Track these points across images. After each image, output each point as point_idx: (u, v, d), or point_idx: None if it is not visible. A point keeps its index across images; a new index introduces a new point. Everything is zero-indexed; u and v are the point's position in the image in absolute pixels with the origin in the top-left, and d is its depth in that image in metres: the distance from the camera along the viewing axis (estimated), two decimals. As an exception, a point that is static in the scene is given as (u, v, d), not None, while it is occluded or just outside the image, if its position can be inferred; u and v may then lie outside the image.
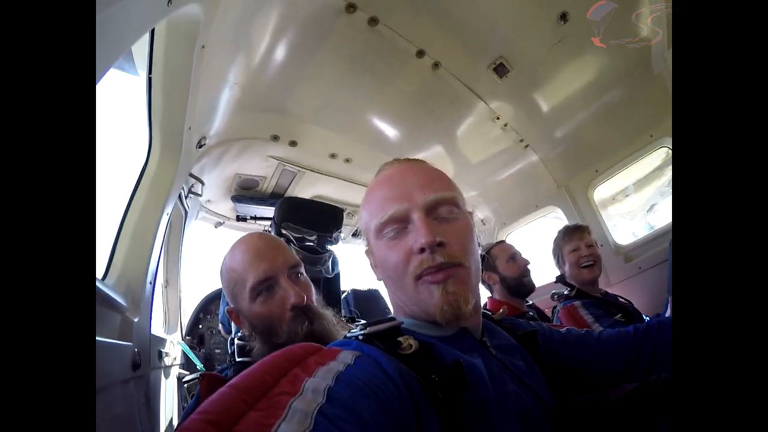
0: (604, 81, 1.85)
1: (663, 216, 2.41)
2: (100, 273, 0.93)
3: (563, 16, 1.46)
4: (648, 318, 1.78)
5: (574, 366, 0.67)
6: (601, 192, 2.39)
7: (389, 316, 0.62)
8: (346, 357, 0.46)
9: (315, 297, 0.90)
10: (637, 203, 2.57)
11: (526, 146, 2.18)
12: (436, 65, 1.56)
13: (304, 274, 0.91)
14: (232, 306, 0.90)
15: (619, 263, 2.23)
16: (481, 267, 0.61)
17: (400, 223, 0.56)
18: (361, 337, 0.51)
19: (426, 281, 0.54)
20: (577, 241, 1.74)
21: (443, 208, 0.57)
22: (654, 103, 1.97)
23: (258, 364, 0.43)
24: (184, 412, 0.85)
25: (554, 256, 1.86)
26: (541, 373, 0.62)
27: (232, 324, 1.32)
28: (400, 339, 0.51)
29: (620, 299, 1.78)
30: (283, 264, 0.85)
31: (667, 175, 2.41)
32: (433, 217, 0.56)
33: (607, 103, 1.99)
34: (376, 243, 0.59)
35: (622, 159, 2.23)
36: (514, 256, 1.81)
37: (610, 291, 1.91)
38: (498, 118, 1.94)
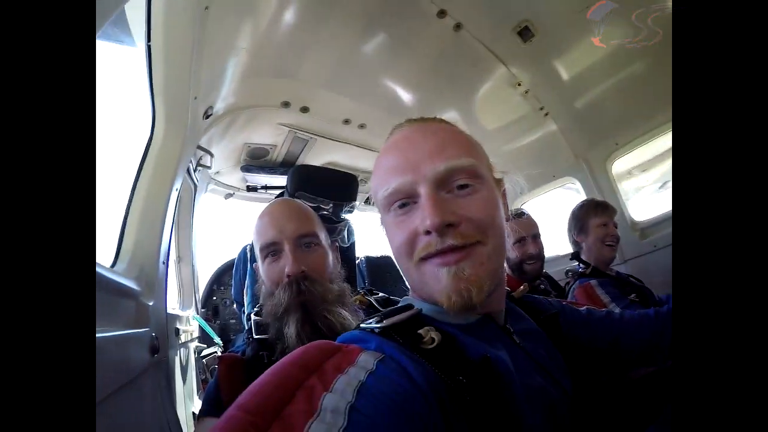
0: (629, 52, 1.71)
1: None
2: (109, 261, 0.89)
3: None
4: (659, 297, 1.75)
5: (598, 347, 0.65)
6: (617, 166, 2.28)
7: (405, 299, 0.58)
8: (367, 361, 0.41)
9: (330, 268, 0.91)
10: (651, 179, 2.47)
11: (546, 114, 2.07)
12: (458, 26, 1.45)
13: (320, 243, 0.92)
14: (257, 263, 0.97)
15: (634, 240, 2.16)
16: (506, 241, 0.52)
17: (406, 197, 0.50)
18: (377, 330, 0.46)
19: (433, 262, 0.47)
20: (607, 218, 1.68)
21: (458, 178, 0.49)
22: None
23: (269, 374, 0.39)
24: (205, 396, 0.84)
25: (574, 227, 1.75)
26: (562, 359, 0.59)
27: (245, 297, 1.34)
28: (420, 331, 0.46)
29: (632, 278, 1.74)
30: (292, 232, 0.88)
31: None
32: (447, 190, 0.49)
33: (630, 75, 1.86)
34: (384, 217, 0.54)
35: (643, 134, 2.11)
36: (522, 240, 1.66)
37: (623, 268, 1.89)
38: (519, 84, 1.84)
